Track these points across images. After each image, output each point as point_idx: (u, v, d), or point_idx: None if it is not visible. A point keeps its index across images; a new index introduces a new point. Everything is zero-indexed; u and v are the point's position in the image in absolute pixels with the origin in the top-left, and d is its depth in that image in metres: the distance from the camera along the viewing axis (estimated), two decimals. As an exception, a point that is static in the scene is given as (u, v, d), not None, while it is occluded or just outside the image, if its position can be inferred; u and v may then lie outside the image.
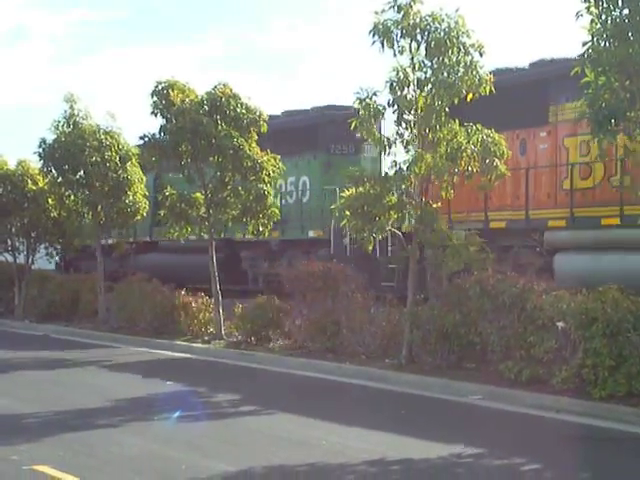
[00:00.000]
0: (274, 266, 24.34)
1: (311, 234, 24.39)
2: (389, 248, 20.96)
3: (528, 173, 19.16)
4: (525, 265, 17.13)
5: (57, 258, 31.74)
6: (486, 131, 15.65)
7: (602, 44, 12.51)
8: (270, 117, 21.97)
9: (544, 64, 19.40)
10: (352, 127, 16.22)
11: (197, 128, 20.21)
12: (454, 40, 15.42)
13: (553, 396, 13.12)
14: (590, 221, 17.55)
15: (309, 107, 26.23)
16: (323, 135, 25.29)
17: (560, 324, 13.33)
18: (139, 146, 22.94)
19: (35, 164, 26.94)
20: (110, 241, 27.56)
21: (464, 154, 15.60)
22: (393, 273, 20.83)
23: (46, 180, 26.01)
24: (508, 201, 19.48)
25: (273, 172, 20.91)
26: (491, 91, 15.39)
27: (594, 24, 12.58)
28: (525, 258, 18.12)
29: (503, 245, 19.10)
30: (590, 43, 12.60)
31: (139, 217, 24.96)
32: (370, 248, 16.51)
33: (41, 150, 24.41)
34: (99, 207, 24.74)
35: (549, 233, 18.39)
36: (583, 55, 12.78)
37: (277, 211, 21.35)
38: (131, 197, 24.48)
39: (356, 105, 15.95)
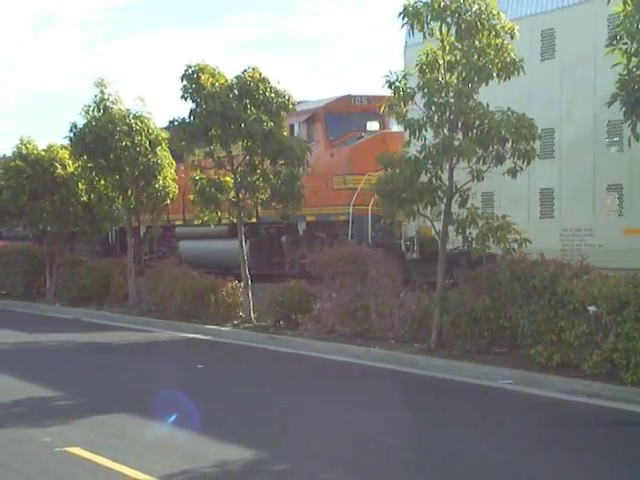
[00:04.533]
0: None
1: None
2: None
3: None
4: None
5: None
6: (517, 114, 15.47)
7: (635, 26, 12.38)
8: None
9: None
10: (381, 110, 16.16)
11: (227, 112, 20.21)
12: (485, 23, 15.30)
13: (584, 381, 13.06)
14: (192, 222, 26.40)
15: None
16: None
17: (592, 308, 13.24)
18: (168, 130, 22.98)
19: (64, 149, 27.08)
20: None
21: (495, 138, 15.46)
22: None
23: (76, 165, 26.12)
24: None
25: (302, 156, 20.88)
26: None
27: (627, 6, 12.45)
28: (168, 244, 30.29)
29: None
30: (622, 25, 12.47)
31: (169, 201, 25.10)
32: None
33: (72, 135, 24.51)
34: (129, 191, 24.87)
35: (177, 228, 29.62)
36: (615, 37, 12.65)
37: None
38: (161, 181, 24.57)
39: (386, 88, 15.88)
